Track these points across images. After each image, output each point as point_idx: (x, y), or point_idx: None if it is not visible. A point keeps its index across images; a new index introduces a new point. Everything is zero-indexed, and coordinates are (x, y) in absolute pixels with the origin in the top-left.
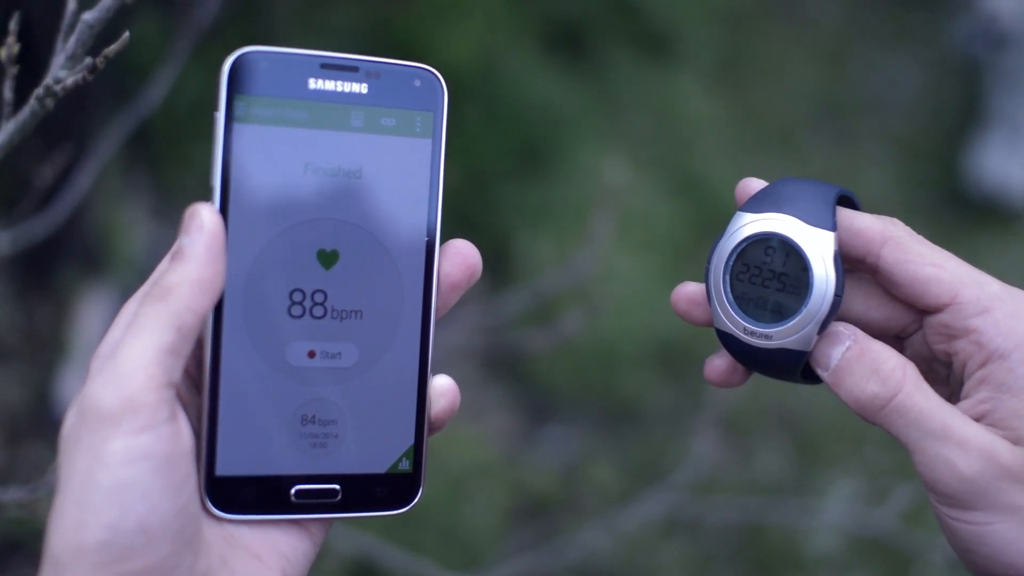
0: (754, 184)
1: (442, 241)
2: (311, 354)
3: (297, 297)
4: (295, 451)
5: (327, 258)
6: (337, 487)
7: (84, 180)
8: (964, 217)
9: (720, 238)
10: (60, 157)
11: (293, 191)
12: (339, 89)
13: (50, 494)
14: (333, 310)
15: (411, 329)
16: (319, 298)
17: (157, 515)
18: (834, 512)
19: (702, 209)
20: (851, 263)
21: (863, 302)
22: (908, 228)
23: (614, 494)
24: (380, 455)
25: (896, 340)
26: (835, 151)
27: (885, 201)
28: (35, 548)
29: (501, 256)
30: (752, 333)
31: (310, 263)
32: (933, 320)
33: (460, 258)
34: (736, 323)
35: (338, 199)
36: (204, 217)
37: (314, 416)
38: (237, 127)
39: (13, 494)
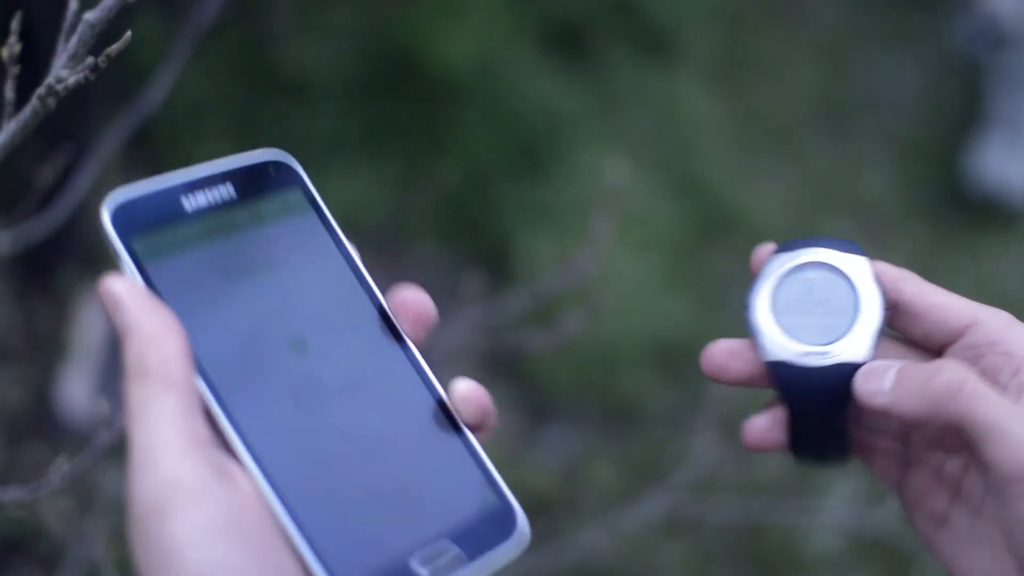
0: (770, 246)
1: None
2: None
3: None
4: (392, 525)
5: (299, 346)
6: (447, 541)
7: (84, 180)
8: (964, 217)
9: (756, 280)
10: (61, 157)
11: (232, 302)
12: (212, 200)
13: (50, 494)
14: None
15: (412, 384)
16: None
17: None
18: (834, 512)
19: (702, 209)
20: None
21: (881, 350)
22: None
23: (614, 494)
24: (463, 499)
25: None
26: (835, 151)
27: (885, 201)
28: (35, 548)
29: (501, 256)
30: (808, 354)
31: (286, 354)
32: (957, 345)
33: (411, 310)
34: (790, 349)
35: (272, 294)
36: (113, 289)
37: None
38: (149, 266)
39: (13, 494)
